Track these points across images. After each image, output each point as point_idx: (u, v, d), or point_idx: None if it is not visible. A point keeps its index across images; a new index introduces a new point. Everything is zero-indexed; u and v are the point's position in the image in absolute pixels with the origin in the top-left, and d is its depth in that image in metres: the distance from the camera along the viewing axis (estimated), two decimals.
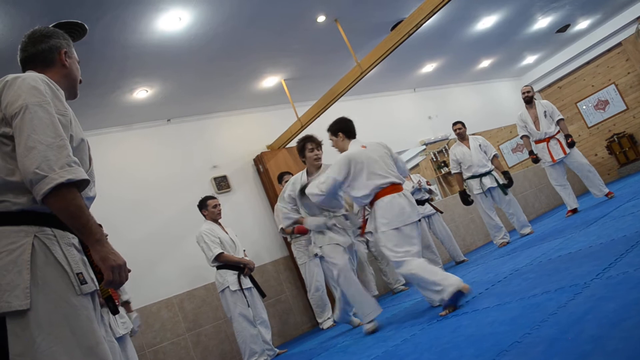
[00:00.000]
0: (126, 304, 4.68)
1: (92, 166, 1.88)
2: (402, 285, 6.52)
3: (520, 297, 3.06)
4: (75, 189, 1.59)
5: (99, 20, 4.29)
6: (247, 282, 5.17)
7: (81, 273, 1.62)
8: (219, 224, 5.40)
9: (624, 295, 2.21)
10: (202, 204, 5.41)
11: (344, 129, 4.33)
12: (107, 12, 4.25)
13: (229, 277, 5.10)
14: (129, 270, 1.68)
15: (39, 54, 1.90)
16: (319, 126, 7.29)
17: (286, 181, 6.17)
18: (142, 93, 5.81)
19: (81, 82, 2.01)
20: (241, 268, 5.18)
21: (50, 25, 4.09)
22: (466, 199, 6.83)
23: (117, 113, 6.04)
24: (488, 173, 6.74)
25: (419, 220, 3.97)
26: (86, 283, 1.62)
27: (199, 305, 5.89)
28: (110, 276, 1.60)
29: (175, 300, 5.76)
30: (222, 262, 5.12)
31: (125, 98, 5.79)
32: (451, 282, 3.51)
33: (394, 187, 3.91)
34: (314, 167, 4.77)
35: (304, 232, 5.31)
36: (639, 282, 2.29)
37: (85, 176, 1.61)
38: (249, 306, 5.07)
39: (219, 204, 5.45)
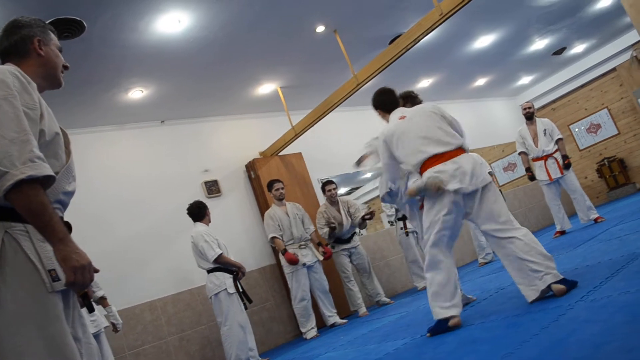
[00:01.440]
0: (102, 300, 4.63)
1: (70, 160, 1.82)
2: (387, 298, 6.51)
3: (504, 316, 3.06)
4: (38, 186, 1.53)
5: (97, 18, 4.28)
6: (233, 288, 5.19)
7: (54, 270, 1.57)
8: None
9: (607, 319, 2.22)
10: (202, 210, 5.46)
11: (379, 105, 3.89)
12: (107, 11, 4.24)
13: (227, 279, 5.11)
14: (96, 270, 1.62)
15: (12, 46, 1.85)
16: (313, 135, 7.35)
17: (276, 189, 6.17)
18: (137, 93, 5.80)
19: (67, 69, 1.95)
20: (235, 272, 5.20)
21: (47, 22, 4.10)
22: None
23: (112, 112, 6.02)
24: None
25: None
26: (59, 280, 1.57)
27: (183, 309, 5.85)
28: (71, 277, 1.52)
29: (159, 303, 5.72)
30: (221, 264, 5.14)
31: (120, 97, 5.77)
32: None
33: (440, 157, 3.35)
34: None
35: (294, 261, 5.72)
36: (622, 306, 2.30)
37: (50, 172, 1.56)
38: (243, 310, 5.12)
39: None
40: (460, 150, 3.39)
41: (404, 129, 3.53)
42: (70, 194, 1.81)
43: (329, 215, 6.42)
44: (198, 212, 5.43)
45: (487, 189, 3.29)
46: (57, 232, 1.54)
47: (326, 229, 6.28)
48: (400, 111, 3.73)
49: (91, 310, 1.79)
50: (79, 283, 1.54)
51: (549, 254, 3.10)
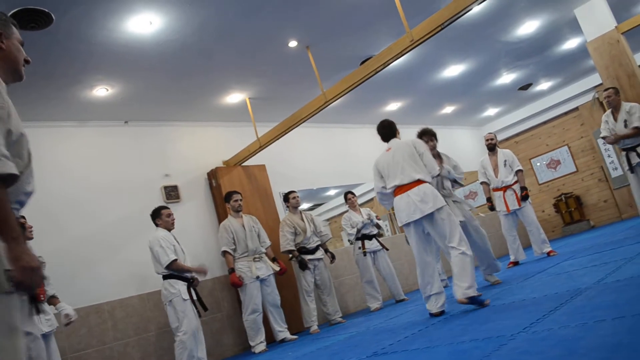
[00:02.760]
0: (53, 299, 4.51)
1: (30, 161, 1.80)
2: (340, 317, 6.51)
3: (450, 342, 3.09)
4: (0, 183, 1.52)
5: (67, 11, 4.21)
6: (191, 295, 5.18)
7: (9, 269, 1.53)
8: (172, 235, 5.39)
9: (545, 351, 2.25)
10: (156, 213, 5.41)
11: (379, 135, 4.68)
12: (77, 5, 4.17)
13: (181, 286, 5.09)
14: (44, 277, 1.61)
15: None
16: (278, 148, 7.34)
17: (235, 200, 6.13)
18: (102, 91, 5.70)
19: (29, 63, 1.93)
20: (189, 280, 5.18)
21: (15, 10, 4.01)
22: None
23: (74, 108, 5.89)
24: None
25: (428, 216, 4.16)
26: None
27: (130, 314, 5.72)
28: (19, 277, 1.51)
29: (107, 306, 5.57)
30: (174, 270, 5.10)
31: (84, 94, 5.66)
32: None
33: (401, 189, 4.26)
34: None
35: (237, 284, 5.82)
36: (561, 340, 2.35)
37: (14, 170, 1.55)
38: (197, 317, 5.10)
39: (173, 214, 5.46)
40: (418, 182, 4.19)
41: (386, 160, 4.40)
42: (30, 194, 1.79)
43: (292, 222, 6.43)
44: (152, 216, 5.41)
45: (435, 216, 4.12)
46: (12, 231, 1.52)
47: (292, 245, 6.34)
48: (391, 143, 4.52)
49: (37, 312, 1.75)
50: (27, 284, 1.53)
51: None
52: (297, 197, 6.70)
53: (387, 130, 4.62)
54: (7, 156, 1.55)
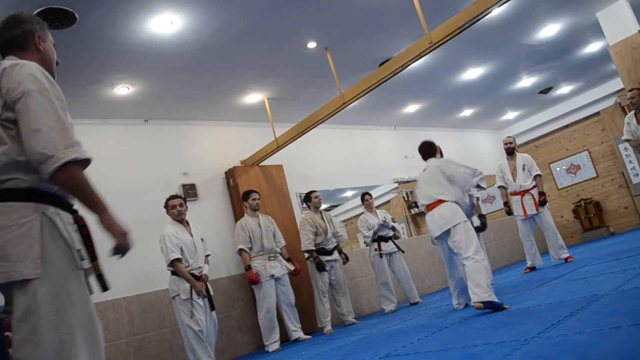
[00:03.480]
0: None
1: None
2: (354, 318, 6.51)
3: (463, 345, 3.08)
4: (80, 166, 1.74)
5: (90, 11, 4.27)
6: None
7: (80, 250, 1.77)
8: (186, 225, 5.41)
9: (559, 357, 2.25)
10: (165, 204, 5.46)
11: (420, 154, 5.13)
12: (100, 5, 4.24)
13: (182, 284, 5.10)
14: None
15: (13, 39, 1.97)
16: (295, 148, 7.37)
17: (253, 199, 6.16)
18: (123, 90, 5.78)
19: (58, 64, 2.09)
20: (195, 276, 5.18)
21: (39, 10, 4.10)
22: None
23: (95, 106, 5.98)
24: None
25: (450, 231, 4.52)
26: (84, 260, 1.78)
27: (147, 310, 5.78)
28: (118, 241, 1.79)
29: (124, 302, 5.65)
30: (176, 270, 5.12)
31: (105, 92, 5.75)
32: None
33: (429, 207, 4.71)
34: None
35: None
36: (574, 346, 2.34)
37: (89, 155, 1.76)
38: (192, 316, 5.02)
39: (179, 205, 5.39)
40: (439, 202, 4.60)
41: (420, 179, 4.93)
42: None
43: (315, 221, 6.46)
44: (165, 207, 5.45)
45: (452, 231, 4.48)
46: (100, 204, 1.79)
47: (312, 245, 6.36)
48: (427, 163, 4.96)
49: (105, 289, 1.88)
50: (123, 247, 1.81)
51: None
52: (319, 196, 6.75)
53: (425, 151, 5.07)
54: (79, 143, 1.76)
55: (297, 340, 5.99)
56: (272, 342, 5.80)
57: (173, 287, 5.14)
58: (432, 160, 4.95)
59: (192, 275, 5.17)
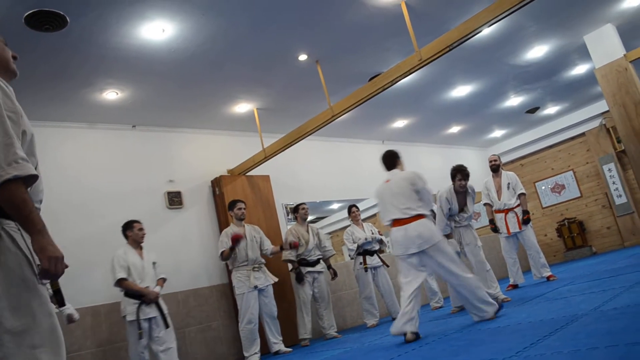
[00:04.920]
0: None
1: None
2: (335, 332, 6.50)
3: None
4: (22, 184, 1.65)
5: (81, 15, 4.27)
6: (150, 312, 5.11)
7: (39, 264, 1.69)
8: (140, 248, 5.39)
9: None
10: (128, 226, 5.40)
11: (383, 164, 4.82)
12: (92, 10, 4.23)
13: (129, 306, 5.08)
14: (66, 266, 1.73)
15: None
16: (283, 159, 7.38)
17: (239, 208, 6.16)
18: (112, 94, 5.76)
19: (16, 58, 1.99)
20: (141, 298, 5.14)
21: (30, 12, 4.08)
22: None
23: (83, 109, 5.95)
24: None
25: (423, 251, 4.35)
26: None
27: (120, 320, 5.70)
28: (46, 265, 1.65)
29: (103, 309, 5.58)
30: (123, 288, 5.11)
31: (94, 96, 5.72)
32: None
33: (398, 222, 4.42)
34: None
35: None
36: None
37: (34, 172, 1.68)
38: (140, 338, 4.98)
39: (144, 229, 5.45)
40: (417, 217, 4.34)
41: (384, 192, 4.57)
42: (42, 192, 1.93)
43: (297, 232, 6.52)
44: (124, 228, 5.42)
45: (429, 251, 4.29)
46: (36, 224, 1.67)
47: (293, 255, 6.43)
48: (391, 174, 4.66)
49: (62, 304, 1.85)
50: (52, 272, 1.67)
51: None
52: (307, 209, 6.79)
53: (388, 161, 4.77)
54: (24, 158, 1.68)
55: (277, 353, 5.95)
56: (252, 354, 5.76)
57: (122, 307, 5.15)
58: (396, 172, 4.66)
59: (142, 296, 5.13)
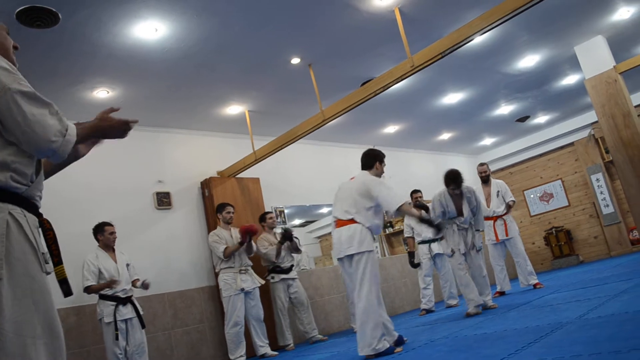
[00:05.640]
0: None
1: None
2: (319, 334, 6.50)
3: None
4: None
5: (74, 12, 4.24)
6: (127, 313, 5.12)
7: (45, 253, 1.73)
8: (112, 251, 5.35)
9: None
10: (99, 229, 5.35)
11: (361, 162, 4.68)
12: (84, 8, 4.21)
13: (105, 308, 5.07)
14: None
15: None
16: (273, 162, 7.37)
17: (227, 212, 6.14)
18: (102, 93, 5.73)
19: (17, 49, 1.99)
20: (120, 298, 5.12)
21: (20, 8, 4.06)
22: (412, 262, 7.17)
23: (72, 107, 5.89)
24: (436, 240, 6.98)
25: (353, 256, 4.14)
26: (48, 263, 1.73)
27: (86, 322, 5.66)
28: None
29: (88, 309, 5.53)
30: (92, 292, 5.09)
31: (84, 94, 5.69)
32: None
33: (338, 222, 4.30)
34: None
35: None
36: None
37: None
38: (117, 339, 4.98)
39: (115, 232, 5.40)
40: (351, 221, 4.18)
41: (342, 187, 4.49)
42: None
43: (267, 241, 6.50)
44: (94, 231, 5.38)
45: (354, 258, 4.10)
46: (90, 130, 1.94)
47: (271, 249, 6.42)
48: (359, 173, 4.53)
49: (68, 294, 1.84)
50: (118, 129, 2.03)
51: None
52: (273, 217, 6.82)
53: (365, 160, 4.64)
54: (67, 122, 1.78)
55: (263, 356, 5.93)
56: (238, 357, 5.74)
57: (98, 310, 5.13)
58: (365, 173, 4.48)
59: (117, 297, 5.12)
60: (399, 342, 4.12)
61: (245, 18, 4.86)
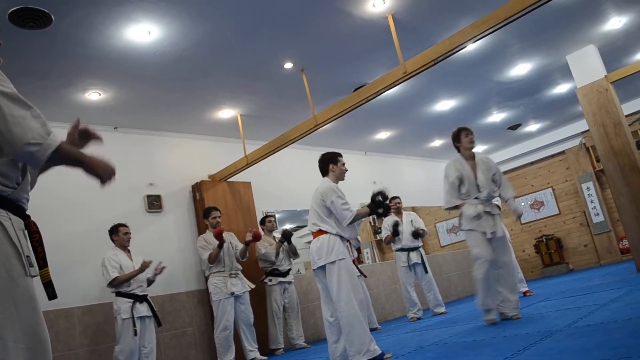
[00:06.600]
0: None
1: None
2: (304, 342, 6.49)
3: None
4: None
5: (67, 14, 4.23)
6: (143, 311, 5.23)
7: (29, 256, 1.69)
8: (128, 251, 5.46)
9: None
10: (114, 230, 5.47)
11: (319, 167, 4.59)
12: (77, 10, 4.19)
13: (123, 305, 5.14)
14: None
15: None
16: (265, 166, 7.36)
17: (214, 217, 6.12)
18: (94, 95, 5.70)
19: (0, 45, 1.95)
20: (137, 296, 5.22)
21: (13, 9, 4.03)
22: (397, 229, 7.04)
23: (65, 110, 5.86)
24: (416, 249, 7.00)
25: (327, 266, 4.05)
26: (33, 266, 1.69)
27: (100, 322, 5.63)
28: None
29: (77, 311, 5.49)
30: (118, 284, 5.15)
31: (76, 96, 5.66)
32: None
33: (313, 234, 4.22)
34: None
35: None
36: None
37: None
38: (135, 335, 5.07)
39: (130, 232, 5.52)
40: (319, 233, 4.12)
41: (312, 198, 4.31)
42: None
43: (267, 242, 6.56)
44: (110, 232, 5.49)
45: (326, 269, 4.02)
46: (84, 160, 1.90)
47: (271, 248, 6.49)
48: (321, 181, 4.42)
49: (53, 297, 1.81)
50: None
51: None
52: (273, 221, 6.90)
53: (320, 165, 4.54)
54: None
55: None
56: None
57: (115, 307, 5.20)
58: (322, 182, 4.37)
59: (135, 295, 5.22)
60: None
61: (238, 23, 4.86)
